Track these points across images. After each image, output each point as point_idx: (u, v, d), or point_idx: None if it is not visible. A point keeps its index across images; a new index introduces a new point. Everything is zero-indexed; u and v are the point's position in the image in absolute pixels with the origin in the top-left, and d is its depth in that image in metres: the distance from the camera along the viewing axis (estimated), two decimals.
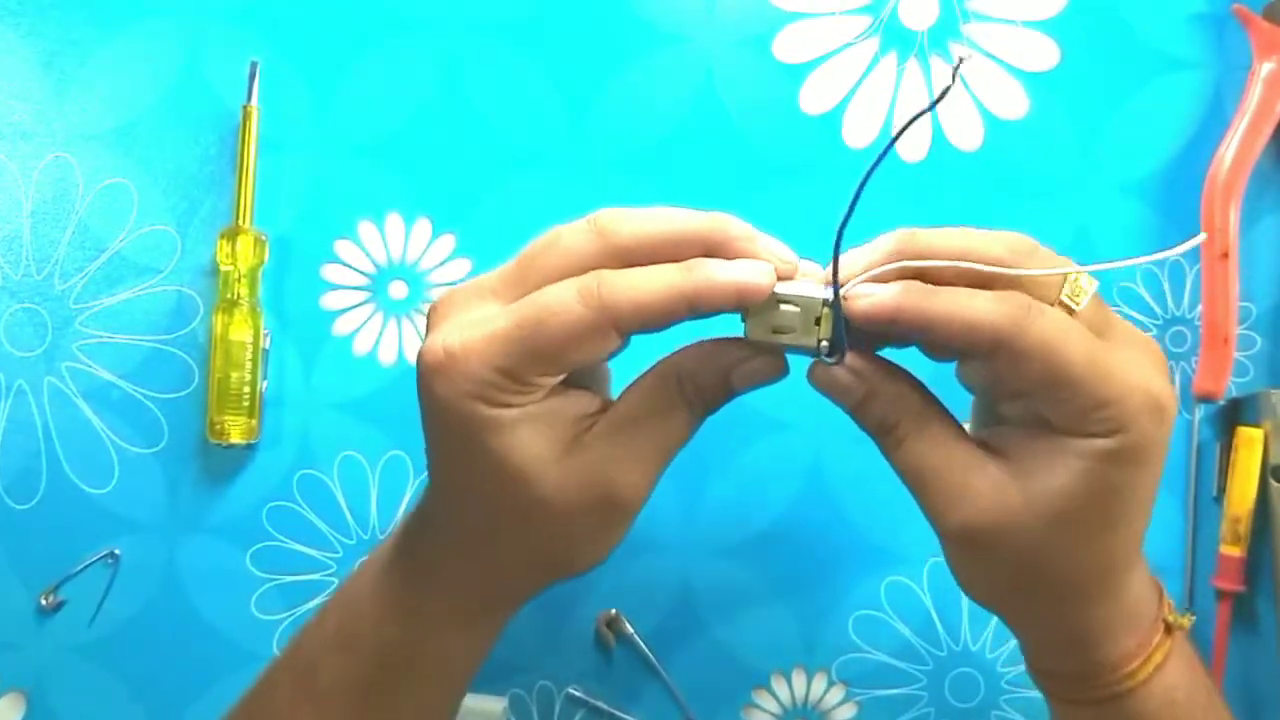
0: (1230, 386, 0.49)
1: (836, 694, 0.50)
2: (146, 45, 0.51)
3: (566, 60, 0.51)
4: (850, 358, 0.35)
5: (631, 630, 0.50)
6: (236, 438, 0.49)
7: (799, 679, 0.50)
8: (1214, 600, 0.49)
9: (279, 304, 0.51)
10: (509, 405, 0.34)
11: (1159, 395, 0.33)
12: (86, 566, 0.50)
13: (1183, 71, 0.51)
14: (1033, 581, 0.36)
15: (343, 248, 0.51)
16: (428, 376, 0.35)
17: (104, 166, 0.51)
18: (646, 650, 0.50)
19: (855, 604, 0.50)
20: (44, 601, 0.50)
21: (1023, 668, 0.49)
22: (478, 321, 0.34)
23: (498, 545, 0.38)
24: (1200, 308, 0.49)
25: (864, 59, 0.51)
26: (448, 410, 0.34)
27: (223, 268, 0.49)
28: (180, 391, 0.50)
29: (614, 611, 0.50)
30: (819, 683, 0.50)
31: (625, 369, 0.38)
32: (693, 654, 0.50)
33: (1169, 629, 0.38)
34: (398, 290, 0.51)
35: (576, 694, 0.50)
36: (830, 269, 0.35)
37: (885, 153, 0.34)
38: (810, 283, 0.35)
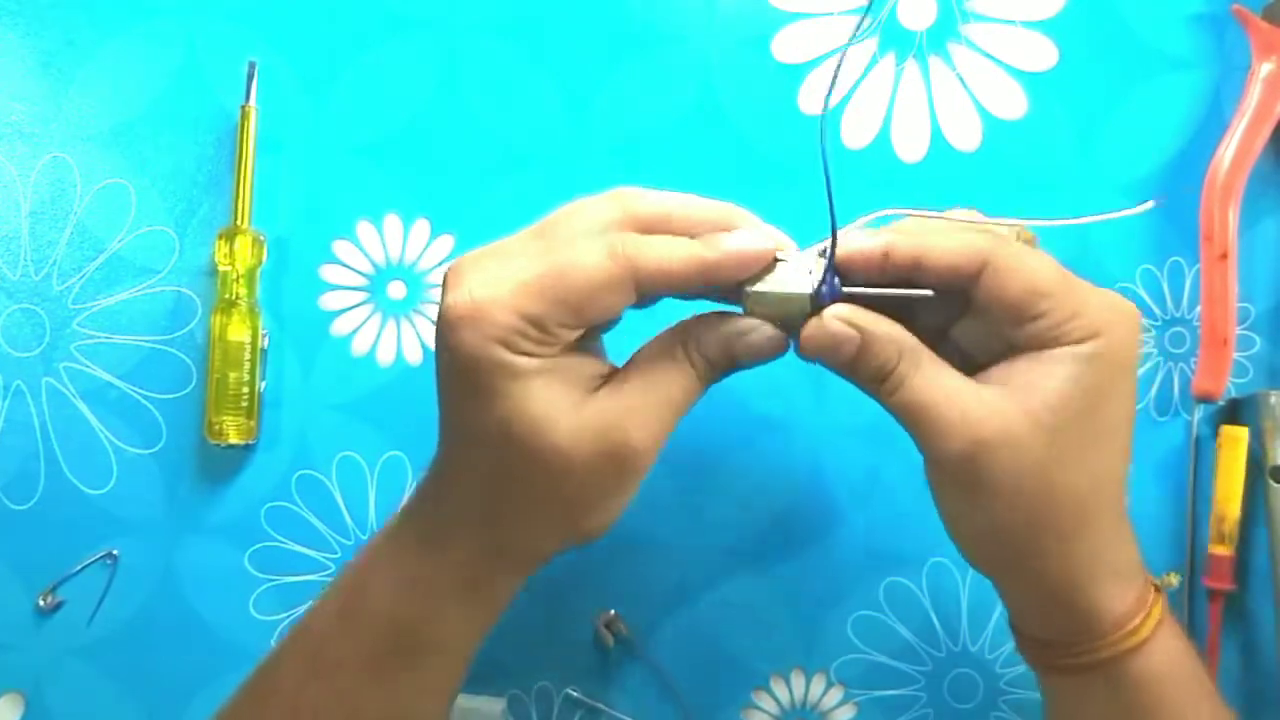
0: (1229, 387, 0.49)
1: (835, 695, 0.50)
2: (145, 46, 0.51)
3: (565, 60, 0.51)
4: (840, 308, 0.38)
5: (630, 631, 0.50)
6: (235, 438, 0.49)
7: (798, 680, 0.50)
8: (1205, 600, 0.49)
9: (277, 304, 0.51)
10: (530, 354, 0.36)
11: (1125, 307, 0.37)
12: (85, 567, 0.50)
13: (1182, 72, 0.51)
14: (1028, 511, 0.37)
15: (341, 248, 0.51)
16: (453, 325, 0.36)
17: (102, 167, 0.51)
18: (645, 651, 0.50)
19: (854, 605, 0.50)
20: (42, 602, 0.50)
21: (1023, 668, 0.49)
22: (504, 273, 0.36)
23: (507, 500, 0.38)
24: (1199, 308, 0.49)
25: (863, 59, 0.51)
26: (472, 356, 0.36)
27: (221, 268, 0.49)
28: (178, 392, 0.50)
29: (613, 612, 0.50)
30: (818, 683, 0.50)
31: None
32: (692, 655, 0.50)
33: (1157, 591, 0.39)
34: (396, 290, 0.51)
35: (575, 695, 0.50)
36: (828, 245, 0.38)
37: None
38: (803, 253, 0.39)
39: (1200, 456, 0.50)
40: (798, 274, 0.38)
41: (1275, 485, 0.47)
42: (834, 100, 0.51)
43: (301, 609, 0.50)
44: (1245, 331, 0.50)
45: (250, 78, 0.50)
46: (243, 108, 0.50)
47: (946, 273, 0.37)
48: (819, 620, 0.50)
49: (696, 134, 0.51)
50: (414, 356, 0.51)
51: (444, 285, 0.37)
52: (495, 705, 0.49)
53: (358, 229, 0.51)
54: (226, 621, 0.50)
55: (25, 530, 0.50)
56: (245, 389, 0.49)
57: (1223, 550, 0.48)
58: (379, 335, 0.51)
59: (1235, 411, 0.49)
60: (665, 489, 0.50)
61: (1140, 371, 0.50)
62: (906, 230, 0.39)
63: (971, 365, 0.39)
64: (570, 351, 0.38)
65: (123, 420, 0.50)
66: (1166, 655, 0.38)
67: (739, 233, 0.38)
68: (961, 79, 0.51)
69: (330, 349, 0.51)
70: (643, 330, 0.39)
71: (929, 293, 0.37)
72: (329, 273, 0.51)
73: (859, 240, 0.38)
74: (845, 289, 0.38)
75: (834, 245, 0.38)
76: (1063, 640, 0.39)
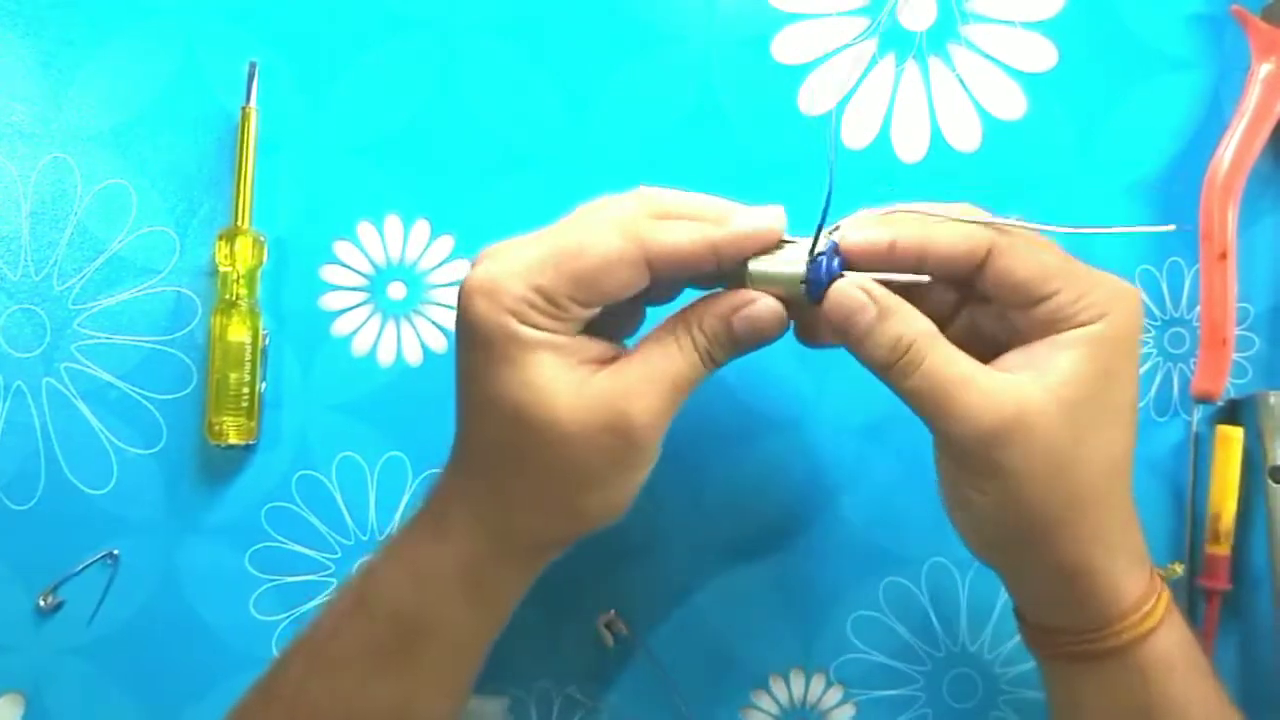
0: (1229, 387, 0.49)
1: (835, 695, 0.50)
2: (145, 46, 0.51)
3: (565, 61, 0.51)
4: (859, 277, 0.38)
5: (630, 631, 0.50)
6: (235, 438, 0.49)
7: (797, 680, 0.50)
8: (1203, 600, 0.49)
9: (277, 305, 0.51)
10: (540, 327, 0.37)
11: (1126, 286, 0.38)
12: (85, 567, 0.50)
13: (1181, 72, 0.51)
14: (1048, 487, 0.37)
15: (341, 248, 0.51)
16: (470, 296, 0.38)
17: (102, 167, 0.51)
18: (646, 651, 0.50)
19: (854, 605, 0.50)
20: (42, 602, 0.50)
21: (1022, 668, 0.49)
22: (523, 252, 0.38)
23: (508, 476, 0.39)
24: (1198, 308, 0.49)
25: (863, 60, 0.51)
26: (485, 325, 0.37)
27: (221, 268, 0.49)
28: (179, 392, 0.50)
29: (613, 612, 0.50)
30: (817, 683, 0.50)
31: None
32: (691, 655, 0.50)
33: (1161, 579, 0.40)
34: (396, 291, 0.51)
35: (575, 694, 0.50)
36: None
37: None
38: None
39: (1200, 457, 0.50)
40: (801, 257, 0.38)
41: (1275, 485, 0.47)
42: (833, 101, 0.51)
43: (301, 609, 0.50)
44: (1244, 332, 0.50)
45: (251, 78, 0.50)
46: (243, 108, 0.50)
47: (952, 260, 0.38)
48: (818, 620, 0.50)
49: (696, 134, 0.51)
50: (414, 357, 0.51)
51: (472, 266, 0.39)
52: (496, 705, 0.49)
53: (358, 229, 0.51)
54: (227, 622, 0.50)
55: (25, 530, 0.50)
56: (245, 389, 0.49)
57: (1219, 550, 0.48)
58: (379, 336, 0.51)
59: (1234, 412, 0.49)
60: (665, 489, 0.50)
61: (1140, 371, 0.50)
62: (911, 220, 0.39)
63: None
64: (586, 334, 0.39)
65: (123, 420, 0.50)
66: (1173, 643, 0.39)
67: (746, 212, 0.39)
68: (961, 79, 0.51)
69: (330, 349, 0.51)
70: None
71: (926, 278, 0.38)
72: (329, 273, 0.51)
73: (865, 232, 0.38)
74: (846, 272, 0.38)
75: (819, 228, 0.38)
76: (1072, 627, 0.39)
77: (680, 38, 0.51)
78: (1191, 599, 0.49)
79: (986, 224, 0.38)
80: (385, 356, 0.51)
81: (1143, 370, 0.50)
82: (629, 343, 0.42)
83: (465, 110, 0.51)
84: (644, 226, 0.38)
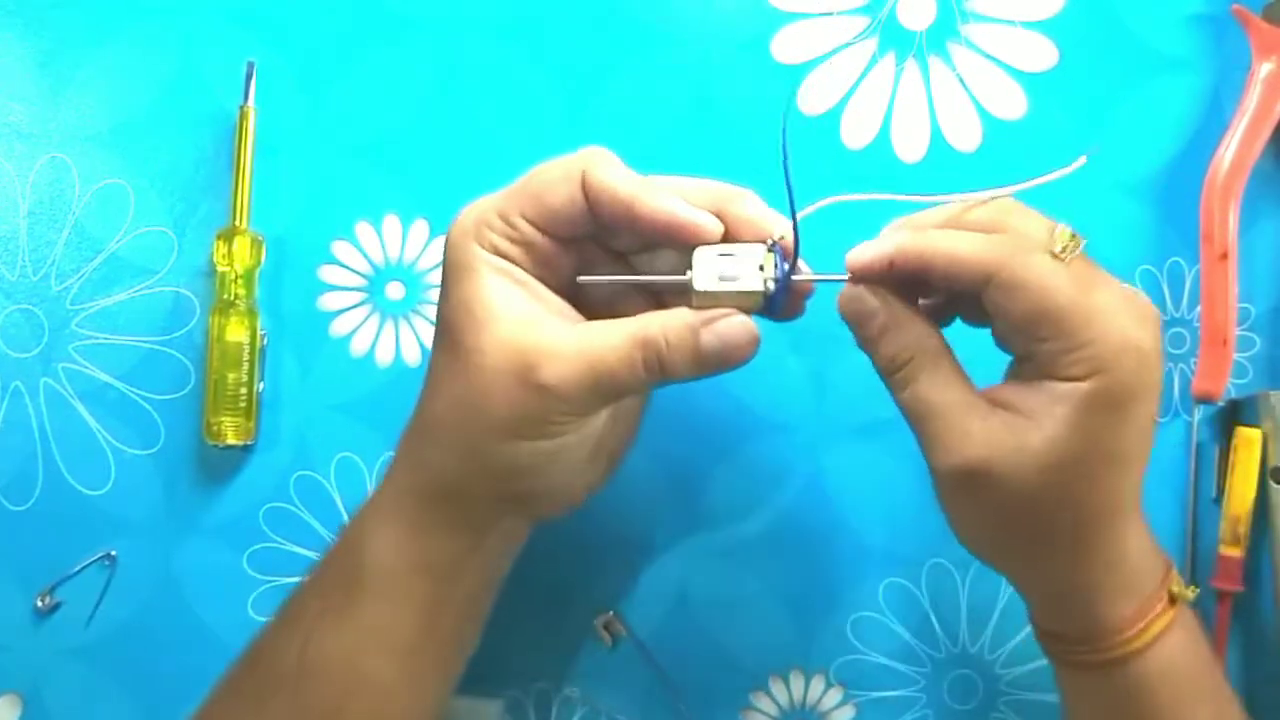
0: (1229, 388, 0.49)
1: (834, 696, 0.50)
2: (143, 46, 0.51)
3: (564, 61, 0.51)
4: (875, 287, 0.38)
5: (629, 632, 0.50)
6: (233, 439, 0.49)
7: (797, 681, 0.50)
8: (1213, 601, 0.49)
9: (276, 305, 0.51)
10: (498, 250, 0.38)
11: (1137, 341, 0.35)
12: (83, 568, 0.50)
13: (1181, 72, 0.51)
14: (1024, 528, 0.37)
15: (340, 249, 0.51)
16: (450, 226, 0.39)
17: (100, 167, 0.51)
18: (644, 652, 0.50)
19: (853, 605, 0.50)
20: (40, 603, 0.50)
21: (1023, 669, 0.49)
22: (499, 190, 0.40)
23: (430, 404, 0.39)
24: (1199, 309, 0.49)
25: (862, 59, 0.51)
26: (451, 245, 0.39)
27: (219, 269, 0.49)
28: (177, 393, 0.50)
29: (611, 613, 0.50)
30: (817, 684, 0.50)
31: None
32: (691, 656, 0.50)
33: (1172, 600, 0.39)
34: (395, 291, 0.51)
35: (573, 695, 0.50)
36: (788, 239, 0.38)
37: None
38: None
39: (1200, 457, 0.50)
40: (747, 269, 0.37)
41: (1277, 486, 0.47)
42: (832, 101, 0.51)
43: None
44: (1245, 332, 0.50)
45: (249, 78, 0.50)
46: (241, 108, 0.50)
47: (948, 283, 0.37)
48: (818, 621, 0.50)
49: (695, 134, 0.51)
50: (413, 357, 0.51)
51: None
52: (493, 706, 0.49)
53: (356, 230, 0.51)
54: (225, 622, 0.50)
55: (23, 531, 0.50)
56: (244, 390, 0.49)
57: (1234, 551, 0.48)
58: (378, 336, 0.51)
59: (1235, 412, 0.49)
60: (664, 489, 0.50)
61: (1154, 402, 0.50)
62: (915, 226, 0.38)
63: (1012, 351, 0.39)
64: (553, 290, 0.39)
65: (121, 421, 0.50)
66: (1168, 661, 0.38)
67: (684, 204, 0.38)
68: (961, 79, 0.51)
69: (329, 350, 0.51)
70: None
71: (845, 277, 0.38)
72: (328, 273, 0.51)
73: (867, 251, 0.38)
74: (794, 278, 0.38)
75: (795, 253, 0.37)
76: (1068, 635, 0.40)
77: (680, 38, 0.51)
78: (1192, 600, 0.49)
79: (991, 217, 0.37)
80: (384, 357, 0.51)
81: None
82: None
83: (464, 110, 0.51)
84: (594, 159, 0.38)
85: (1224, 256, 0.48)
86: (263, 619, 0.50)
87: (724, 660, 0.50)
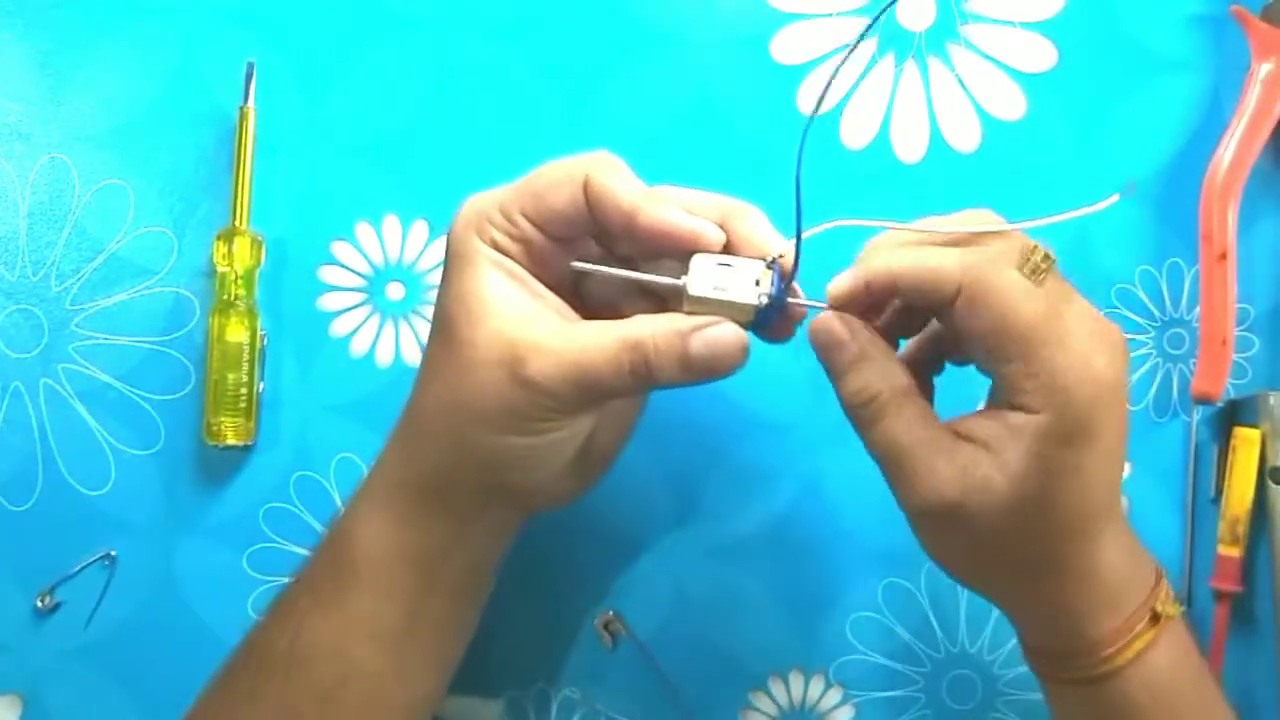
0: (1228, 388, 0.49)
1: (834, 696, 0.50)
2: (143, 46, 0.51)
3: (563, 61, 0.51)
4: (848, 318, 0.37)
5: (628, 632, 0.50)
6: (233, 439, 0.49)
7: (796, 681, 0.50)
8: (1212, 601, 0.49)
9: (276, 305, 0.51)
10: (497, 246, 0.39)
11: (1097, 372, 0.35)
12: (83, 568, 0.50)
13: (1181, 72, 0.51)
14: (997, 560, 0.38)
15: (340, 249, 0.51)
16: (454, 217, 0.40)
17: (100, 168, 0.51)
18: (644, 652, 0.50)
19: (853, 606, 0.50)
20: (40, 603, 0.50)
21: (1021, 670, 0.49)
22: (504, 186, 0.40)
23: (421, 394, 0.40)
24: (1198, 309, 0.49)
25: (862, 60, 0.51)
26: (453, 237, 0.39)
27: (219, 269, 0.49)
28: (177, 393, 0.50)
29: (611, 613, 0.50)
30: (816, 685, 0.50)
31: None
32: (690, 656, 0.50)
33: (1156, 618, 0.38)
34: (395, 292, 0.51)
35: (573, 695, 0.50)
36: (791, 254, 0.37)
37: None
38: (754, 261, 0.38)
39: (1199, 458, 0.50)
40: (742, 283, 0.37)
41: (1276, 487, 0.47)
42: (832, 101, 0.51)
43: None
44: (1244, 333, 0.50)
45: (249, 78, 0.50)
46: (241, 108, 0.50)
47: (920, 299, 0.37)
48: (817, 621, 0.50)
49: (695, 135, 0.51)
50: (413, 357, 0.51)
51: None
52: (493, 706, 0.49)
53: (356, 230, 0.51)
54: (225, 623, 0.50)
55: (23, 531, 0.50)
56: (244, 390, 0.49)
57: (1233, 552, 0.48)
58: (377, 336, 0.51)
59: (1235, 413, 0.49)
60: (663, 489, 0.50)
61: (1139, 373, 0.50)
62: (883, 251, 0.37)
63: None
64: (550, 289, 0.40)
65: (121, 421, 0.50)
66: (1153, 677, 0.38)
67: (686, 214, 0.38)
68: (960, 80, 0.51)
69: (329, 350, 0.51)
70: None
71: (824, 305, 0.38)
72: (327, 274, 0.51)
73: (845, 281, 0.37)
74: (790, 299, 0.38)
75: (795, 263, 0.37)
76: (1051, 652, 0.40)
77: (679, 38, 0.51)
78: (1192, 601, 0.49)
79: (961, 232, 0.37)
80: (384, 357, 0.51)
81: (1142, 371, 0.50)
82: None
83: (464, 110, 0.51)
84: (599, 164, 0.38)
85: (1223, 257, 0.48)
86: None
87: (723, 660, 0.50)
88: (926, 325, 0.41)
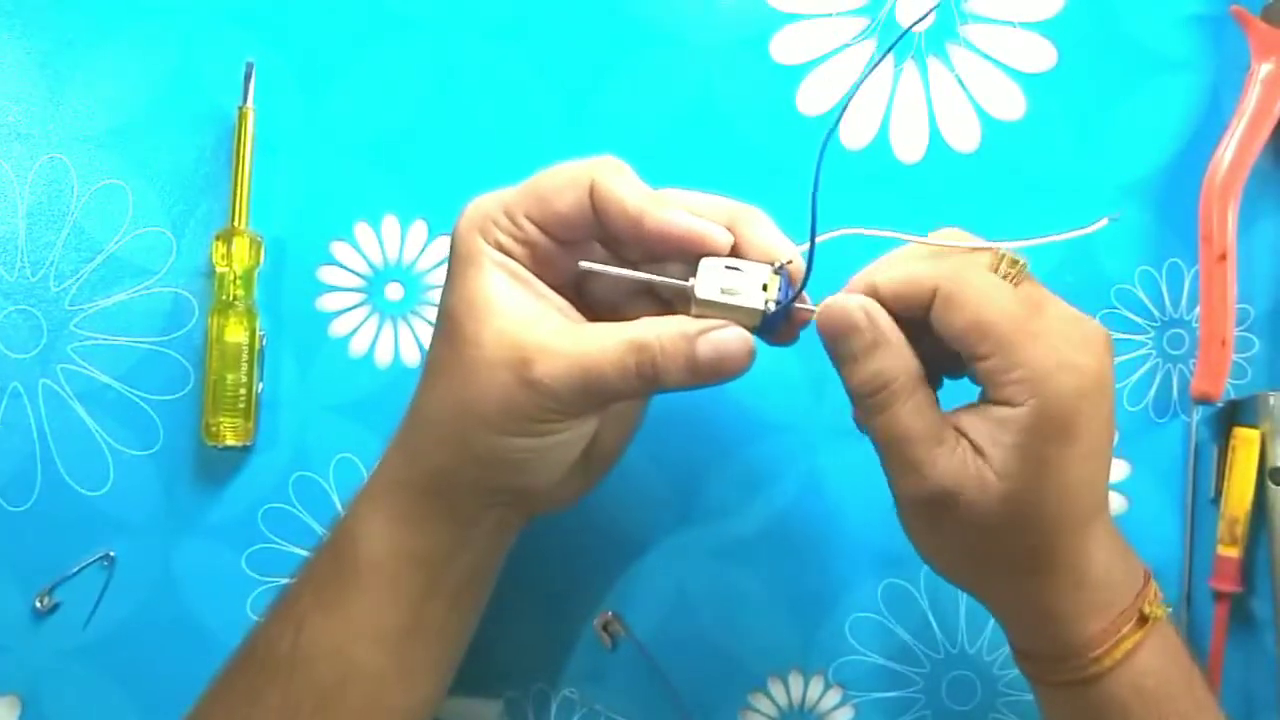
0: (1228, 389, 0.49)
1: (833, 697, 0.50)
2: (142, 46, 0.51)
3: (563, 62, 0.51)
4: (868, 302, 0.37)
5: (628, 632, 0.50)
6: (232, 440, 0.49)
7: (796, 682, 0.50)
8: (1211, 601, 0.49)
9: (275, 306, 0.50)
10: (501, 247, 0.39)
11: (1075, 362, 0.35)
12: (81, 569, 0.50)
13: (1180, 73, 0.51)
14: (986, 555, 0.38)
15: (339, 249, 0.51)
16: (459, 217, 0.40)
17: (99, 168, 0.51)
18: (643, 653, 0.50)
19: (852, 607, 0.50)
20: (39, 604, 0.50)
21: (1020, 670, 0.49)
22: (508, 187, 0.40)
23: (425, 396, 0.39)
24: (1198, 310, 0.49)
25: (861, 60, 0.51)
26: (458, 238, 0.39)
27: (218, 269, 0.49)
28: (175, 393, 0.50)
29: (610, 613, 0.50)
30: (816, 685, 0.50)
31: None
32: (690, 657, 0.50)
33: (1144, 619, 0.38)
34: (394, 292, 0.51)
35: (572, 696, 0.50)
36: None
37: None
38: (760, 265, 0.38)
39: (1199, 458, 0.50)
40: (750, 287, 0.37)
41: (1276, 487, 0.47)
42: (831, 102, 0.51)
43: None
44: (1244, 333, 0.50)
45: (248, 79, 0.50)
46: (240, 109, 0.50)
47: (899, 304, 0.37)
48: (817, 622, 0.50)
49: (695, 135, 0.51)
50: (412, 358, 0.51)
51: None
52: (492, 707, 0.49)
53: (355, 230, 0.51)
54: (223, 623, 0.50)
55: (22, 532, 0.50)
56: (242, 390, 0.49)
57: (1232, 552, 0.48)
58: (376, 336, 0.51)
59: (1234, 413, 0.49)
60: (663, 489, 0.50)
61: (1138, 373, 0.50)
62: (863, 273, 0.38)
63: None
64: (554, 290, 0.40)
65: (120, 422, 0.50)
66: (1141, 678, 0.38)
67: (692, 217, 0.38)
68: (960, 80, 0.51)
69: (328, 350, 0.51)
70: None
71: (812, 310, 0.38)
72: (326, 274, 0.51)
73: (837, 308, 0.37)
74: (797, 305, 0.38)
75: (812, 256, 0.37)
76: (1040, 654, 0.40)
77: (679, 38, 0.51)
78: (1192, 601, 0.49)
79: (945, 247, 0.37)
80: (383, 357, 0.51)
81: (1141, 371, 0.50)
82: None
83: (463, 111, 0.51)
84: (604, 168, 0.38)
85: (1223, 257, 0.48)
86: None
87: (723, 661, 0.50)
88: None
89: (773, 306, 0.37)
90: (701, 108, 0.51)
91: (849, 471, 0.50)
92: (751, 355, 0.37)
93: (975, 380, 0.37)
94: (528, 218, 0.39)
